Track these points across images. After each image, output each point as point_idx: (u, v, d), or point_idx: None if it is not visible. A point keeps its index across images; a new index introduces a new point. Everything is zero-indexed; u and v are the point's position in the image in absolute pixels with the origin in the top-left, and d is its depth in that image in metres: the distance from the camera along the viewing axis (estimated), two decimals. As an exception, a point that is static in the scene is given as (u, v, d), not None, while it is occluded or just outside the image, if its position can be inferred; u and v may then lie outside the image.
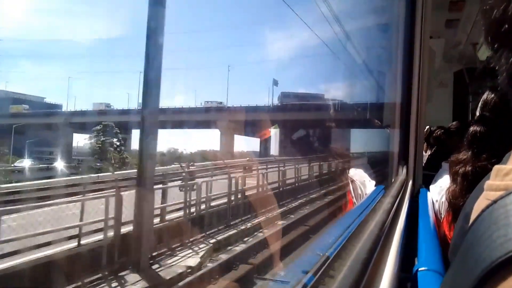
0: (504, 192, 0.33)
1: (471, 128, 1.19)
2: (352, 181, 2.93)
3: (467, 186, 1.13)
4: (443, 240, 1.39)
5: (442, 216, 1.67)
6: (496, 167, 0.41)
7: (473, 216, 0.39)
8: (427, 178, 2.45)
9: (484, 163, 1.10)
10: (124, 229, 6.56)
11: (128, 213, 6.70)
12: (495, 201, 0.33)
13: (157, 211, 7.68)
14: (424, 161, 3.34)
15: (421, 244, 1.16)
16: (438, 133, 3.56)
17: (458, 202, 1.16)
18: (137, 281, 5.78)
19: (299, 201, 12.69)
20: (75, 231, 6.14)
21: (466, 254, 0.33)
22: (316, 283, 0.61)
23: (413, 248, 1.16)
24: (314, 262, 0.80)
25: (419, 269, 0.90)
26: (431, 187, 2.16)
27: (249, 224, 9.43)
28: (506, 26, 0.36)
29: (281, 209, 10.72)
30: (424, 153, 3.48)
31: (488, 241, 0.31)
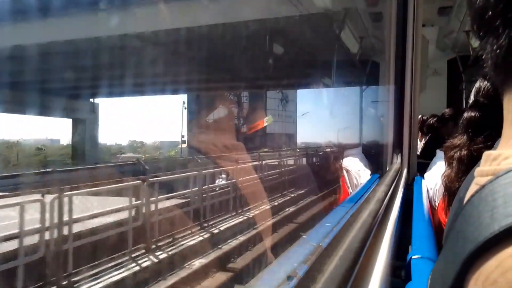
0: (492, 177, 0.34)
1: (466, 114, 1.19)
2: (347, 170, 2.93)
3: (463, 170, 1.14)
4: (438, 227, 1.40)
5: (437, 204, 1.67)
6: (485, 153, 0.41)
7: (464, 201, 0.40)
8: (422, 166, 2.46)
9: (480, 146, 1.10)
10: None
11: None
12: (483, 186, 0.34)
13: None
14: (419, 150, 3.36)
15: (415, 232, 1.17)
16: (432, 121, 3.57)
17: (453, 187, 1.17)
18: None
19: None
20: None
21: (455, 239, 0.34)
22: (308, 273, 0.61)
23: (407, 236, 1.16)
24: (307, 253, 0.80)
25: (413, 256, 0.91)
26: (425, 175, 2.17)
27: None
28: (490, 12, 0.37)
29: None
30: (418, 142, 3.49)
31: (475, 224, 0.31)
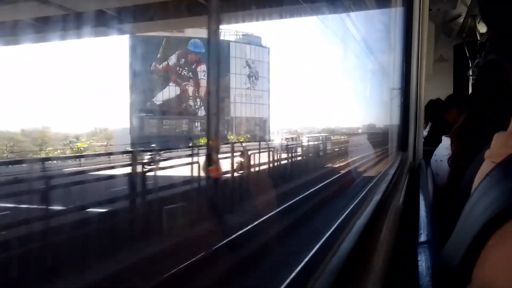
0: (507, 156, 0.35)
1: (472, 96, 1.19)
2: (352, 158, 2.93)
3: (470, 153, 1.13)
4: (444, 212, 1.39)
5: (442, 189, 1.67)
6: (496, 135, 0.42)
7: (475, 182, 0.40)
8: (428, 152, 2.45)
9: (487, 129, 1.09)
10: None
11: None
12: (499, 164, 0.35)
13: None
14: (424, 136, 3.34)
15: (421, 218, 1.16)
16: (437, 107, 3.54)
17: (460, 170, 1.16)
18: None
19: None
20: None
21: (467, 216, 0.35)
22: (316, 256, 0.61)
23: (413, 222, 1.16)
24: (315, 237, 0.80)
25: (419, 242, 0.90)
26: (431, 160, 2.16)
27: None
28: None
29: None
30: (424, 128, 3.47)
31: (496, 195, 0.32)
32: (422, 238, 0.92)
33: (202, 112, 31.53)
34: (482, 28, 5.37)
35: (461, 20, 5.66)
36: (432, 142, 2.69)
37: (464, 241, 0.32)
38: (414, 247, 0.90)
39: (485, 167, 0.40)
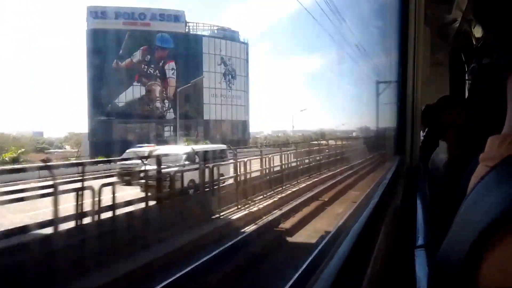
0: (500, 160, 0.35)
1: (468, 97, 1.20)
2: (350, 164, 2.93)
3: (465, 155, 1.14)
4: (441, 216, 1.39)
5: (439, 191, 1.67)
6: (490, 138, 0.41)
7: (470, 186, 0.40)
8: (425, 156, 2.45)
9: (482, 129, 1.10)
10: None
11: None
12: (493, 167, 0.35)
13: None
14: (421, 140, 3.34)
15: (418, 221, 1.16)
16: (433, 110, 3.55)
17: (456, 172, 1.16)
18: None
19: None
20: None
21: (462, 220, 0.34)
22: (316, 258, 0.60)
23: (410, 225, 1.15)
24: (315, 241, 0.80)
25: (417, 245, 0.90)
26: (428, 164, 2.16)
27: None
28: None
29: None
30: (422, 132, 3.48)
31: (484, 206, 0.31)
32: (420, 241, 0.92)
33: (171, 115, 28.02)
34: (477, 33, 5.40)
35: (456, 24, 5.69)
36: (428, 146, 2.69)
37: (461, 246, 0.32)
38: (411, 250, 0.90)
39: (480, 171, 0.40)
